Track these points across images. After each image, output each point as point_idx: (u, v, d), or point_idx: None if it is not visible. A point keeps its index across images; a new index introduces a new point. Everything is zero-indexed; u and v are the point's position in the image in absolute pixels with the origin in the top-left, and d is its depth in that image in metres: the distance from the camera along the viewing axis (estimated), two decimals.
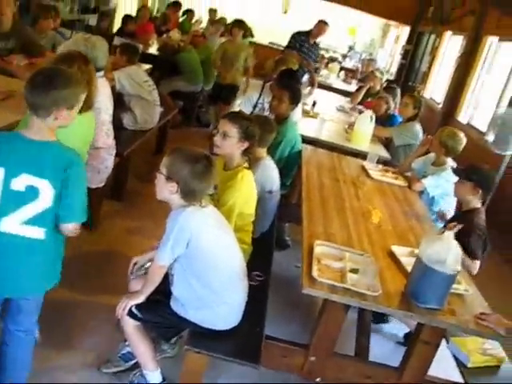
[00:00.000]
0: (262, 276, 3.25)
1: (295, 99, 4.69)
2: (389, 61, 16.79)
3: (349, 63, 15.55)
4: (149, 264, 2.96)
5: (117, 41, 7.10)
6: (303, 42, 8.11)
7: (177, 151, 2.59)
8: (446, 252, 2.52)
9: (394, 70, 15.47)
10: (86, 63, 3.31)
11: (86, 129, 3.36)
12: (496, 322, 2.59)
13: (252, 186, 3.31)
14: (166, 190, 2.55)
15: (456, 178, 3.80)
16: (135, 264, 3.02)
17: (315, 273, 2.59)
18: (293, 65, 6.06)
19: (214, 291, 2.62)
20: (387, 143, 6.06)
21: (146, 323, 2.73)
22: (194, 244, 2.51)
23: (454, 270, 2.55)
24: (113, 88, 5.01)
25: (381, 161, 5.29)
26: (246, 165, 3.28)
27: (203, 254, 2.56)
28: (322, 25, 8.34)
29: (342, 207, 3.68)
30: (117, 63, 5.34)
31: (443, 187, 4.37)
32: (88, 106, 3.10)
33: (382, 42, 18.36)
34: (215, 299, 2.63)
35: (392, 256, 3.08)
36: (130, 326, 2.72)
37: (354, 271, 2.70)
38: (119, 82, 5.16)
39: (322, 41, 16.23)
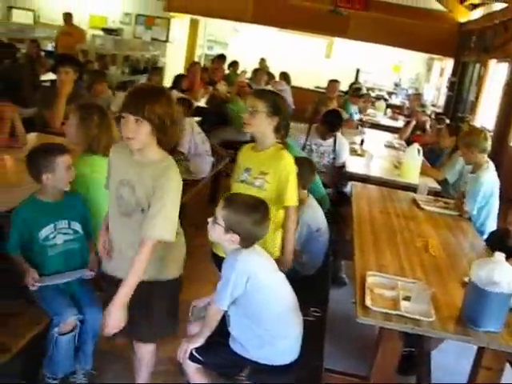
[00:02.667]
0: (319, 312, 3.30)
1: None
2: (436, 94, 16.71)
3: (395, 100, 15.57)
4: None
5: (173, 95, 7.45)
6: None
7: (234, 203, 2.62)
8: (499, 273, 2.52)
9: (441, 103, 15.37)
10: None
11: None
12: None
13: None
14: (223, 239, 2.62)
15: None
16: (194, 307, 3.11)
17: (368, 302, 2.63)
18: (331, 103, 6.17)
19: (269, 328, 2.65)
20: None
21: (207, 365, 2.77)
22: (252, 284, 2.56)
23: (509, 291, 2.54)
24: None
25: (432, 192, 5.27)
26: (280, 145, 3.20)
27: (259, 292, 2.60)
28: None
29: (394, 239, 3.70)
30: None
31: (483, 191, 4.38)
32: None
33: (428, 76, 18.29)
34: (273, 335, 2.65)
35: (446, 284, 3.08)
36: (192, 368, 2.77)
37: (407, 298, 2.72)
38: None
39: (368, 80, 16.45)
